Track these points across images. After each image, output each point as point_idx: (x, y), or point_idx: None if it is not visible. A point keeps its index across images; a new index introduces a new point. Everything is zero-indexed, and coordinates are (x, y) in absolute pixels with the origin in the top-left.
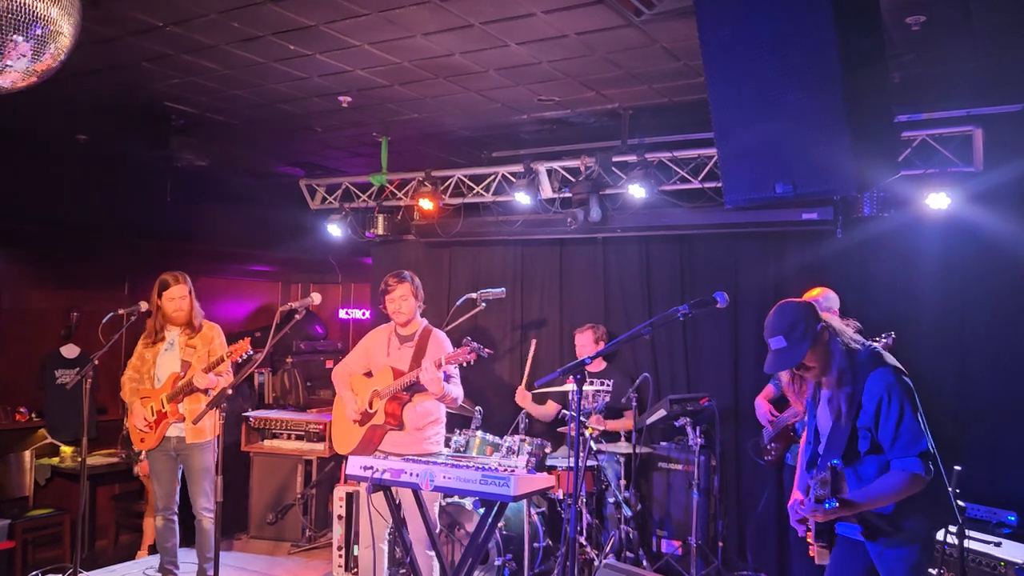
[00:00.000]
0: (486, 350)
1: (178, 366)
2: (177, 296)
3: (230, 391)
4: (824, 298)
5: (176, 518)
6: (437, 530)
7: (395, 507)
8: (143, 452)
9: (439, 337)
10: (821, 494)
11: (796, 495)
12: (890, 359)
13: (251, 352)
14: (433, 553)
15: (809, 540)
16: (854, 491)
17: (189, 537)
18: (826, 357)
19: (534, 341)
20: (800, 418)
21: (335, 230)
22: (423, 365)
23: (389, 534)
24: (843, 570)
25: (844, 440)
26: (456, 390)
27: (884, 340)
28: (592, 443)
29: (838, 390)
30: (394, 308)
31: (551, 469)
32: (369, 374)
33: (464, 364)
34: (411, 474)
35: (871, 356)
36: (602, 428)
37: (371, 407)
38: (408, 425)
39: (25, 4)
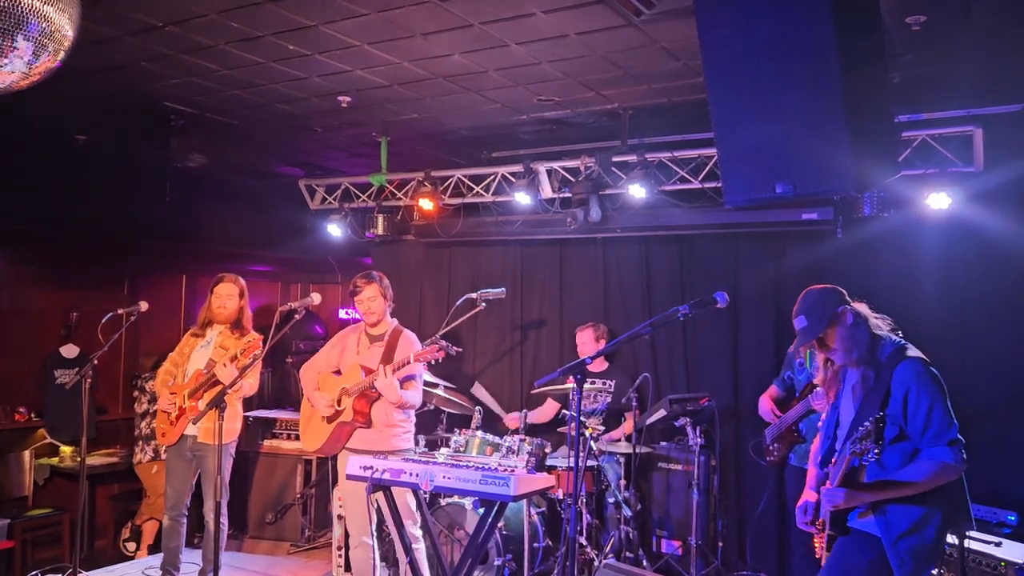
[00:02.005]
0: (455, 348)
1: (204, 364)
2: (224, 294)
3: (229, 392)
4: None
5: (184, 520)
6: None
7: (395, 507)
8: (152, 445)
9: (409, 337)
10: (861, 448)
11: (808, 495)
12: (916, 352)
13: (262, 349)
14: (419, 539)
15: (818, 543)
16: (885, 474)
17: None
18: (848, 339)
19: (476, 385)
20: (802, 417)
21: (335, 230)
22: (378, 370)
23: (385, 533)
24: (848, 559)
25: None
26: (414, 396)
27: None
28: (592, 443)
29: (855, 370)
30: (364, 309)
31: (551, 469)
32: (338, 372)
33: (433, 362)
34: (411, 474)
35: (899, 348)
36: (603, 429)
37: (339, 404)
38: (376, 422)
39: (25, 4)
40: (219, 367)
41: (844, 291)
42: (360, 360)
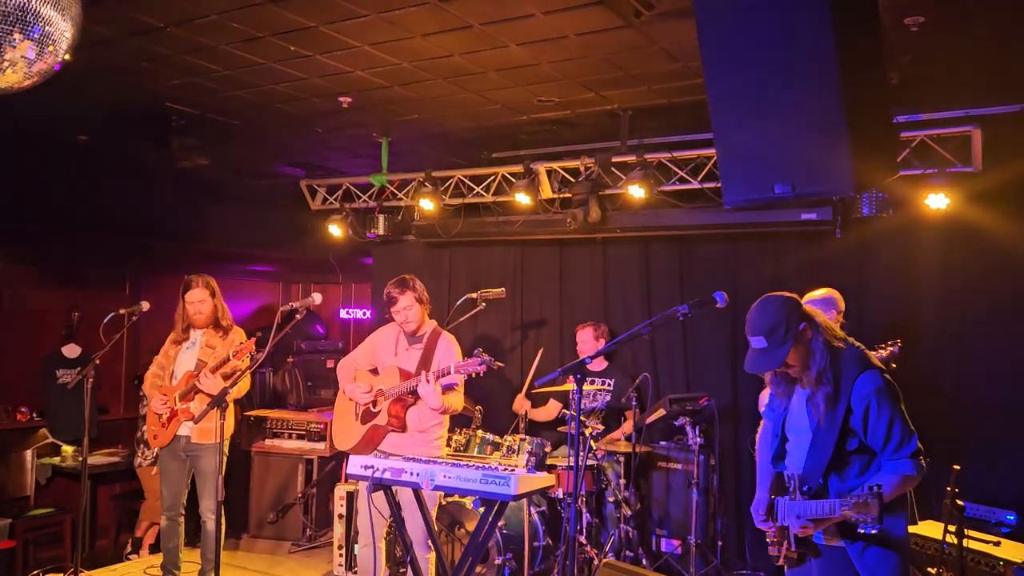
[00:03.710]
0: (497, 363)
1: (194, 365)
2: (196, 300)
3: (230, 391)
4: (828, 298)
5: (182, 519)
6: (436, 530)
7: (395, 506)
8: (153, 450)
9: (447, 340)
10: (861, 518)
11: (762, 495)
12: (875, 361)
13: (255, 352)
14: (431, 555)
15: (771, 538)
16: (846, 486)
17: (191, 536)
18: (806, 356)
19: (541, 350)
20: None
21: (336, 230)
22: (422, 377)
23: (388, 533)
24: None
25: (832, 441)
26: (456, 401)
27: (891, 348)
28: (592, 442)
29: (816, 389)
30: (401, 318)
31: (551, 468)
32: (375, 371)
33: (473, 376)
34: (411, 473)
35: (857, 357)
36: (602, 428)
37: (375, 406)
38: (411, 427)
39: (25, 4)
40: (203, 375)
41: (800, 300)
42: (398, 362)
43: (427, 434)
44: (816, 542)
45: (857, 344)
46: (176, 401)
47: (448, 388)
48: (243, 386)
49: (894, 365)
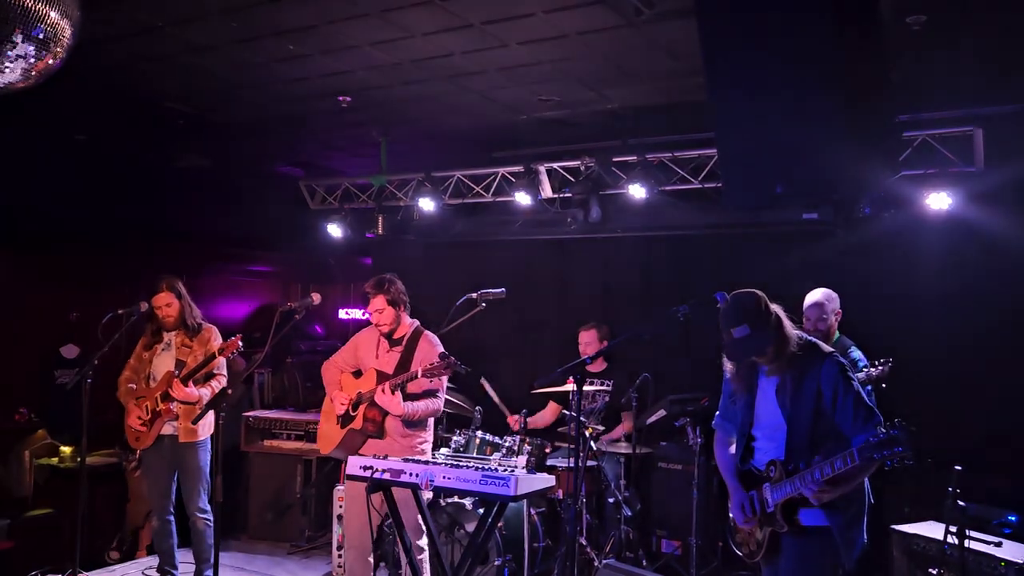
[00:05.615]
0: (464, 367)
1: (173, 365)
2: (163, 303)
3: (229, 391)
4: (828, 298)
5: (172, 519)
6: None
7: (395, 507)
8: (137, 452)
9: (428, 341)
10: (888, 453)
11: (740, 493)
12: (826, 345)
13: (242, 348)
14: (424, 550)
15: (744, 537)
16: (832, 464)
17: (187, 537)
18: (780, 341)
19: (483, 380)
20: None
21: (335, 230)
22: (379, 387)
23: (387, 533)
24: (813, 560)
25: (808, 424)
26: (428, 406)
27: (881, 367)
28: (592, 443)
29: (786, 374)
30: (374, 320)
31: (551, 469)
32: (359, 373)
33: (441, 378)
34: (411, 474)
35: (816, 345)
36: (602, 429)
37: (354, 410)
38: (390, 432)
39: (26, 5)
40: (175, 385)
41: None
42: (378, 364)
43: (410, 439)
44: (803, 523)
45: (806, 333)
46: (157, 402)
47: (428, 393)
48: (221, 381)
49: (884, 385)
